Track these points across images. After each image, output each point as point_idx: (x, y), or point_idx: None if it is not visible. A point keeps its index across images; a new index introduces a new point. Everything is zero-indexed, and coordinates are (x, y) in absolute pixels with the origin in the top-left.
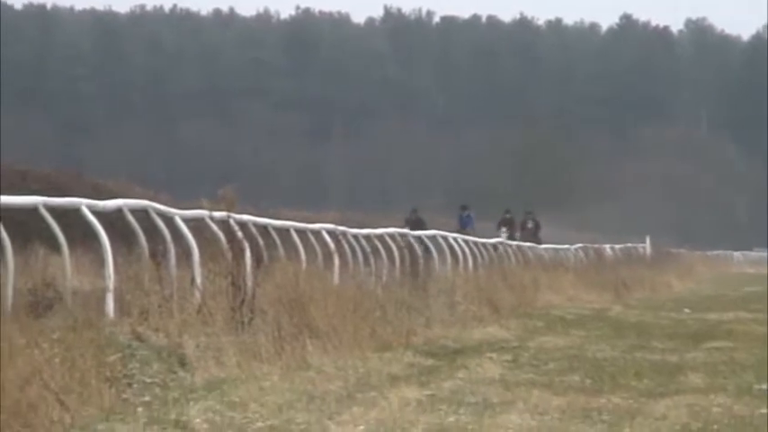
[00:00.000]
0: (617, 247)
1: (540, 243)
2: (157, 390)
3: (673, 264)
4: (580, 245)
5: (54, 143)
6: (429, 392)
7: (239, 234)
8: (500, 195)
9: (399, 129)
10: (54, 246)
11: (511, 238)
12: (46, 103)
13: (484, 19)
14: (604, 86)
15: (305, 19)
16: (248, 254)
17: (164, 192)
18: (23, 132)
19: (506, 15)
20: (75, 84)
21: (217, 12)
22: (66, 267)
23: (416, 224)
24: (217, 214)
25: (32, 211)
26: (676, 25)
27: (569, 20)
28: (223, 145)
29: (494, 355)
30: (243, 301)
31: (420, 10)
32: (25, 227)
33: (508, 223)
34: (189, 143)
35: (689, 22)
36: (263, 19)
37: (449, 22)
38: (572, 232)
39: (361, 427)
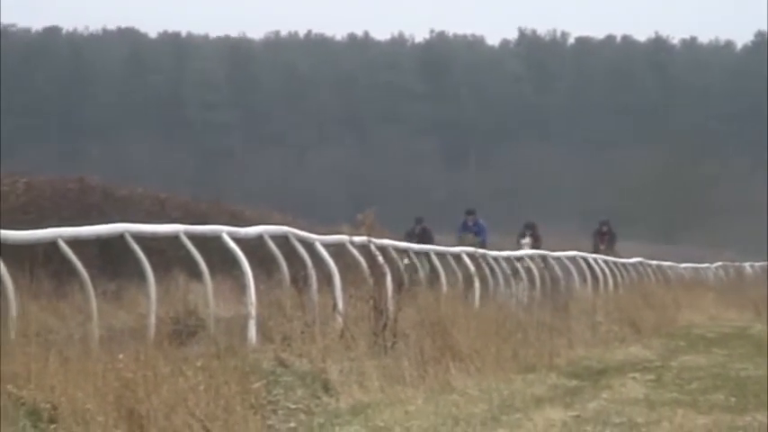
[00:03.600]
0: (756, 264)
1: (617, 257)
2: (302, 416)
3: None
4: (720, 263)
5: (191, 170)
6: (574, 413)
7: (380, 258)
8: (639, 215)
9: (535, 150)
10: (193, 273)
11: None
12: (182, 130)
13: (619, 39)
14: (741, 103)
15: (439, 42)
16: (389, 278)
17: (300, 217)
18: (161, 160)
19: (641, 35)
20: (210, 111)
21: (351, 36)
22: (209, 295)
23: (422, 237)
24: (357, 239)
25: (172, 239)
26: None
27: (704, 38)
28: (359, 169)
29: (637, 375)
30: (385, 326)
31: (555, 31)
32: (165, 254)
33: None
34: (325, 168)
35: None
36: (398, 43)
37: (584, 42)
38: (711, 250)
39: None
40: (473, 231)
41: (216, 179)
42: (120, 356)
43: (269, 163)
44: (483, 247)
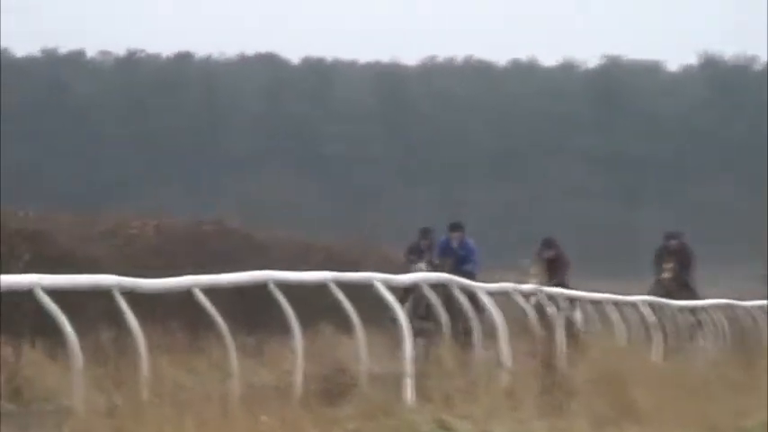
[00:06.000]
0: None
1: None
2: None
3: None
4: None
5: (336, 209)
6: None
7: (550, 309)
8: None
9: (718, 186)
10: (340, 324)
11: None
12: (326, 165)
13: None
14: None
15: (613, 68)
16: (559, 330)
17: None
18: (301, 198)
19: None
20: (358, 144)
21: (515, 62)
22: (361, 349)
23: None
24: (524, 287)
25: (316, 286)
26: None
27: None
28: (522, 208)
29: None
30: (555, 382)
31: (742, 55)
32: (308, 304)
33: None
34: (484, 206)
35: None
36: (567, 69)
37: None
38: None
39: None
40: (459, 255)
41: (364, 219)
42: (263, 418)
43: (423, 201)
44: (471, 277)
